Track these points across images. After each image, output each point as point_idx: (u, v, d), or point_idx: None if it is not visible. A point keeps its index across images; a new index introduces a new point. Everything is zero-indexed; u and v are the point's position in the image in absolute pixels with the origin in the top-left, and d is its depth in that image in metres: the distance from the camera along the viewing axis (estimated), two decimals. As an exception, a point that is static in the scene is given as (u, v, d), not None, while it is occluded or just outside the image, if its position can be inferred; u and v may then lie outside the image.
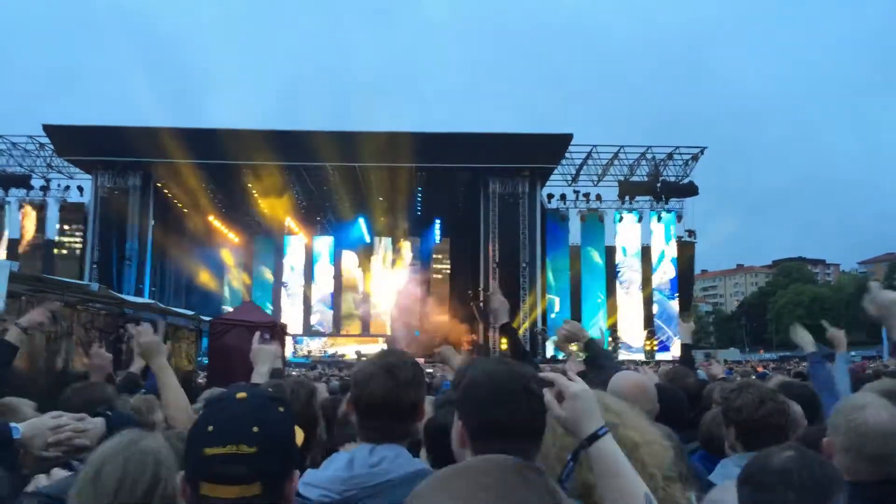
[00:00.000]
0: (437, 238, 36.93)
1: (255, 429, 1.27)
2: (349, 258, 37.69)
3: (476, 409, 1.58)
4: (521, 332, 26.53)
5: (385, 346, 34.13)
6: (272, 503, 1.29)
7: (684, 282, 32.62)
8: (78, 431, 2.42)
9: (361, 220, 35.41)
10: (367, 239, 36.99)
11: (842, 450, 2.15)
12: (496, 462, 0.94)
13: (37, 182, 31.36)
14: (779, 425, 2.64)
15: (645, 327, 31.68)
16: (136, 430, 1.60)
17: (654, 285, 32.15)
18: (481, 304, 29.24)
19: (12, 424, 2.36)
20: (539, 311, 29.16)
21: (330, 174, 29.95)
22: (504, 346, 3.75)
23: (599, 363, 3.96)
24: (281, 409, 1.37)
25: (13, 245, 31.01)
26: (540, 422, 1.56)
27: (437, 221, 36.00)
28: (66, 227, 31.38)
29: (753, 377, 9.69)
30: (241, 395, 1.35)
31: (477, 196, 30.13)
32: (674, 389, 3.54)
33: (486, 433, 1.53)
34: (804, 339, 4.66)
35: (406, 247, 37.52)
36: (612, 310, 31.88)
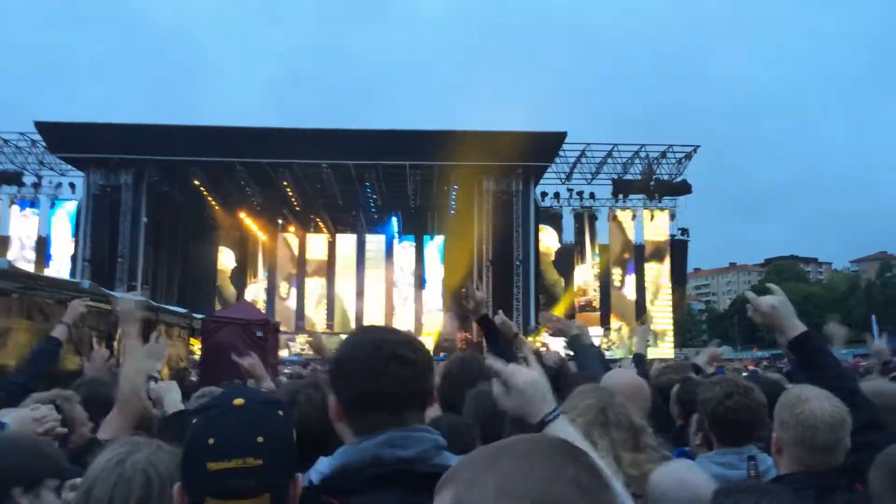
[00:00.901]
0: (431, 236, 36.92)
1: (260, 439, 1.23)
2: (343, 257, 37.64)
3: (346, 382, 1.56)
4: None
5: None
6: None
7: (677, 280, 32.70)
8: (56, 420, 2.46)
9: (362, 216, 35.45)
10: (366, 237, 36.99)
11: (793, 444, 2.24)
12: (543, 440, 0.91)
13: (28, 179, 31.19)
14: (744, 420, 2.67)
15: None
16: (129, 442, 1.58)
17: (646, 283, 32.21)
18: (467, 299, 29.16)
19: (1, 419, 2.39)
20: (533, 309, 29.18)
21: (324, 172, 29.90)
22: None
23: (581, 358, 4.08)
24: (280, 413, 1.33)
25: (4, 242, 30.85)
26: (417, 388, 1.55)
27: (430, 219, 35.99)
28: (57, 224, 31.19)
29: (744, 374, 9.72)
30: (239, 401, 1.30)
31: (470, 194, 30.13)
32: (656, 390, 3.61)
33: (359, 405, 1.53)
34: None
35: (400, 244, 37.48)
36: (605, 308, 31.95)
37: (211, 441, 1.22)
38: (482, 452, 0.85)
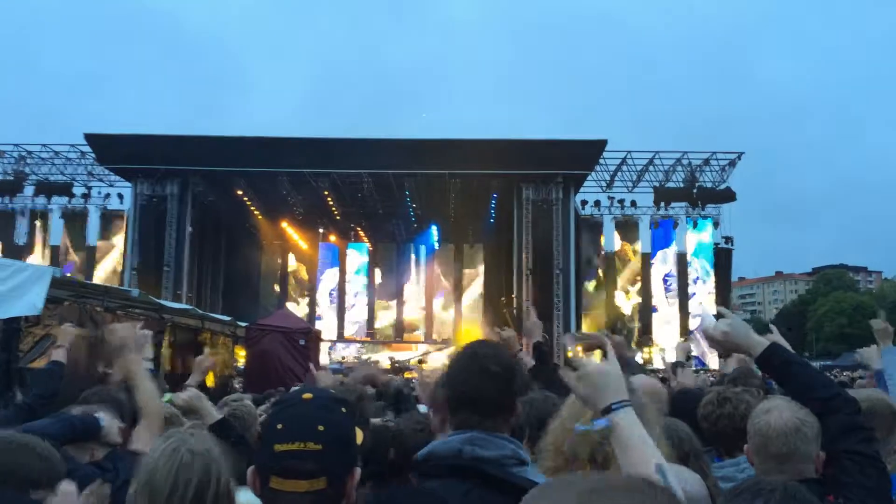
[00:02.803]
0: (471, 245, 36.94)
1: (321, 427, 1.38)
2: (383, 265, 37.88)
3: (447, 385, 1.92)
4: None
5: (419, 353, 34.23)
6: (336, 497, 1.39)
7: (721, 289, 32.15)
8: None
9: (408, 222, 35.62)
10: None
11: (752, 452, 2.32)
12: (626, 480, 0.89)
13: (78, 190, 32.02)
14: (725, 431, 2.78)
15: (681, 336, 31.26)
16: (176, 432, 1.66)
17: (689, 293, 31.77)
18: (514, 311, 29.15)
19: (96, 415, 2.75)
20: (574, 318, 29.00)
21: (364, 181, 30.13)
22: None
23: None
24: (343, 410, 1.47)
25: (55, 252, 31.71)
26: (497, 395, 1.83)
27: (470, 228, 35.99)
28: (106, 234, 31.95)
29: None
30: (307, 395, 1.47)
31: (510, 202, 30.06)
32: (693, 394, 3.60)
33: (451, 404, 1.86)
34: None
35: (440, 253, 37.57)
36: (646, 319, 31.58)
37: (279, 426, 1.39)
38: (576, 486, 0.82)
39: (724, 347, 2.53)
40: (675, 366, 5.51)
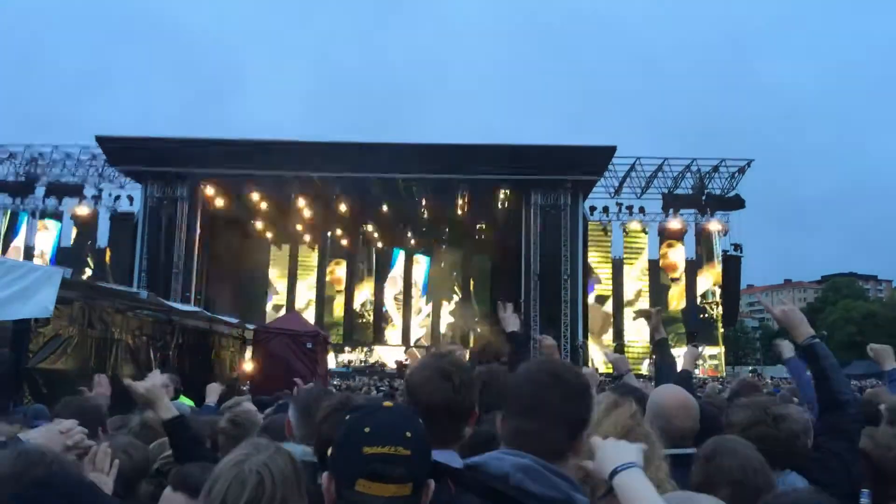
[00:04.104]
0: (479, 249, 36.86)
1: (408, 434, 1.39)
2: (393, 269, 37.89)
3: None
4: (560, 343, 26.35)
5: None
6: None
7: (730, 297, 32.01)
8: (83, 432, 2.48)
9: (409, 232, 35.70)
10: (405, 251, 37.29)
11: None
12: None
13: (89, 191, 32.12)
14: (769, 451, 2.47)
15: (688, 342, 31.13)
16: (252, 443, 1.67)
17: (698, 300, 31.68)
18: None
19: (21, 436, 2.43)
20: (581, 324, 28.94)
21: (373, 185, 30.15)
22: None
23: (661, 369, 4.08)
24: (420, 421, 1.48)
25: (65, 253, 31.83)
26: (571, 411, 1.72)
27: (478, 232, 35.91)
28: (116, 235, 32.04)
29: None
30: (388, 403, 1.49)
31: (519, 208, 30.04)
32: (711, 408, 3.42)
33: (508, 409, 1.85)
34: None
35: (446, 258, 37.54)
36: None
37: (367, 430, 1.37)
38: None
39: (782, 323, 3.05)
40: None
